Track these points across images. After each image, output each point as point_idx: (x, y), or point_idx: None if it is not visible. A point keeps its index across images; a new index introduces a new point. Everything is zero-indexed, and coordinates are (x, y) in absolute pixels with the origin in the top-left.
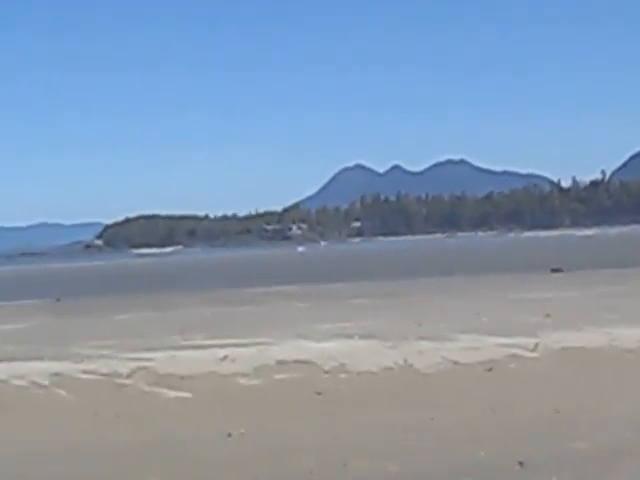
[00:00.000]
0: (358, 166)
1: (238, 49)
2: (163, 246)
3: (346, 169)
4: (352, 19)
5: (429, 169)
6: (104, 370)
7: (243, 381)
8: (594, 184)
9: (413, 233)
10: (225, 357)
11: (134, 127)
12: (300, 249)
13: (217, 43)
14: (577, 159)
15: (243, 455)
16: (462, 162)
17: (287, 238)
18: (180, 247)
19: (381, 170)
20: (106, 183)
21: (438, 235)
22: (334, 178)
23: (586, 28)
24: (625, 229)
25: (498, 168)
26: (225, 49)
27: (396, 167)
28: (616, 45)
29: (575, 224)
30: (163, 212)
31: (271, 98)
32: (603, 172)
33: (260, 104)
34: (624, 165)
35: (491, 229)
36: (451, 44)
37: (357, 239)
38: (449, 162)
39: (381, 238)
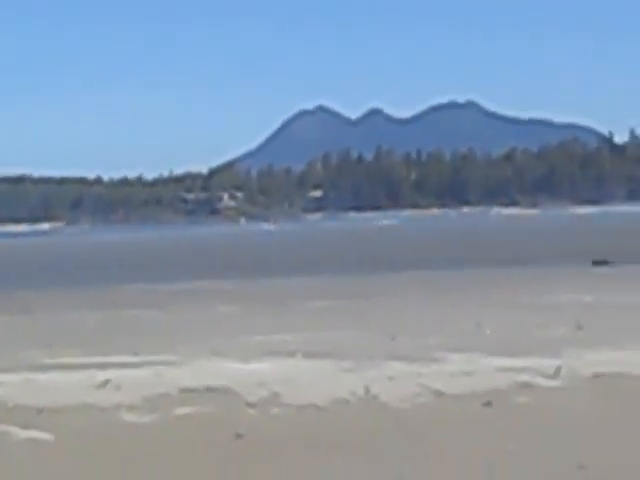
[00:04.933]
0: (321, 109)
1: None
2: (35, 222)
3: (303, 113)
4: None
5: (422, 115)
6: None
7: (130, 417)
8: None
9: (398, 207)
10: (106, 382)
11: None
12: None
13: None
14: (638, 104)
15: None
16: (470, 105)
17: (215, 212)
18: (60, 224)
19: (353, 116)
20: None
21: (434, 210)
22: (285, 126)
23: None
24: None
25: (523, 115)
26: None
27: (375, 112)
28: None
29: (633, 196)
30: (35, 173)
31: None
32: None
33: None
34: None
35: (512, 203)
36: None
37: (317, 215)
38: (451, 105)
39: (352, 214)
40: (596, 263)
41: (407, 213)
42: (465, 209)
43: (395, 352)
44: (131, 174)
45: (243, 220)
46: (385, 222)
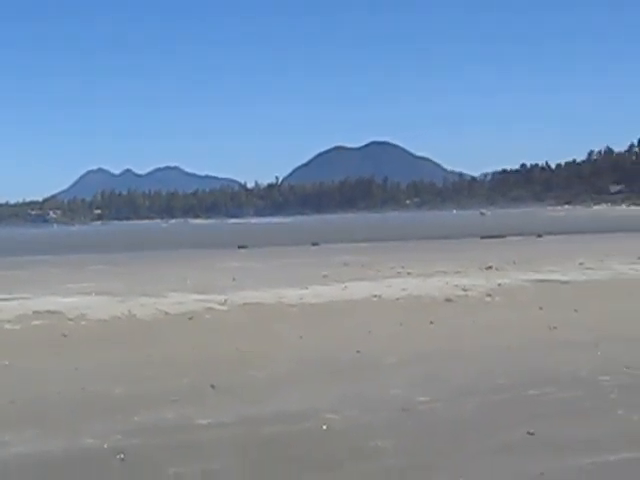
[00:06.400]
0: (100, 169)
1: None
2: None
3: (90, 171)
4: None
5: (152, 172)
6: None
7: (7, 326)
8: (270, 186)
9: (139, 219)
10: None
11: None
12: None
13: None
14: (258, 167)
15: (5, 381)
16: (176, 168)
17: (46, 221)
18: None
19: (117, 172)
20: None
21: (157, 220)
22: (82, 177)
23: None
24: (292, 219)
25: (202, 173)
26: None
27: (128, 170)
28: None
29: (257, 214)
30: None
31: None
32: (277, 177)
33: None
34: (292, 173)
35: (198, 217)
36: (166, 59)
37: (98, 222)
38: (167, 168)
39: (115, 222)
40: (240, 247)
41: (143, 222)
42: (172, 220)
43: (143, 292)
44: (2, 200)
45: (55, 225)
46: (164, 225)
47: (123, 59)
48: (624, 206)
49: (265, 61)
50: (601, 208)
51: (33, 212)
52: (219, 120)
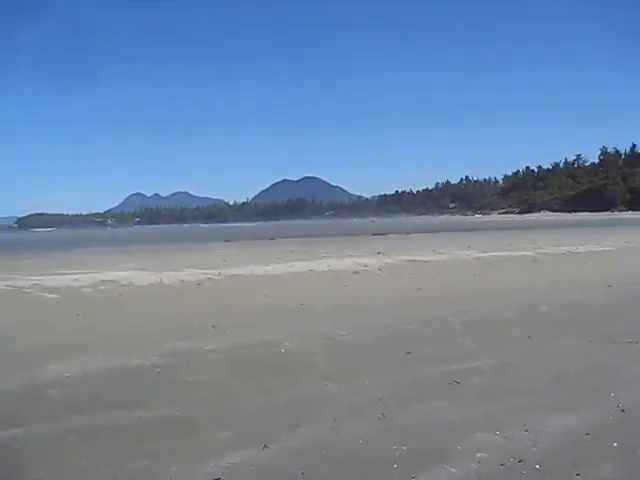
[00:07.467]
0: (138, 193)
1: None
2: (48, 227)
3: (132, 194)
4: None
5: (171, 195)
6: (16, 285)
7: (85, 290)
8: (244, 203)
9: (165, 224)
10: (76, 279)
11: None
12: (121, 229)
13: None
14: (236, 191)
15: (83, 325)
16: (186, 192)
17: (105, 226)
18: (54, 228)
19: (149, 195)
20: None
21: (174, 225)
22: (127, 198)
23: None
24: (257, 224)
25: (202, 195)
26: None
27: (156, 194)
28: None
29: (236, 221)
30: (49, 211)
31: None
32: (247, 198)
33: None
34: (257, 195)
35: (198, 223)
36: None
37: (137, 226)
38: (179, 192)
39: (148, 226)
40: (226, 241)
41: (167, 225)
42: (184, 225)
43: (169, 268)
44: (78, 212)
45: (109, 228)
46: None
47: (153, 115)
48: (458, 216)
49: (244, 115)
50: (443, 217)
51: (97, 220)
52: (212, 162)
